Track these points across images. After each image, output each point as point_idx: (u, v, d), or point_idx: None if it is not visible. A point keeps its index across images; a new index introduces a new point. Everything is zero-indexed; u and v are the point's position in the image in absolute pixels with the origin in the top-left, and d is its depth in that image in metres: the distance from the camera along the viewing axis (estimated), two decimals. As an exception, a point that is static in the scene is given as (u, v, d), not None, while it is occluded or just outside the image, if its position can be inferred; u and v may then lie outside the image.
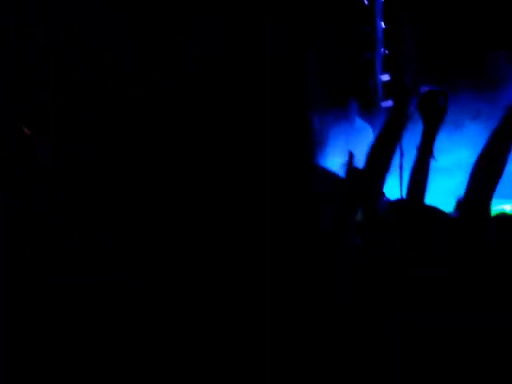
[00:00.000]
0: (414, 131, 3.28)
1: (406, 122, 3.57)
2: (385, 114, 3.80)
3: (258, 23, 4.24)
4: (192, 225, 3.30)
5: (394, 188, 3.65)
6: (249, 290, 2.55)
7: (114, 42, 3.96)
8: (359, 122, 7.76)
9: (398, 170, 4.36)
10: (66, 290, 2.83)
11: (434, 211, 2.58)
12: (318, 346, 2.44)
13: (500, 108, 2.95)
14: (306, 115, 3.90)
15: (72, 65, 3.87)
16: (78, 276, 2.88)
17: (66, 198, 3.72)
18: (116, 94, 3.95)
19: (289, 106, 3.89)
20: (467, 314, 2.28)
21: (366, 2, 7.43)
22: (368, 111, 7.72)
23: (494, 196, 2.76)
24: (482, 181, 2.70)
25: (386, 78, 7.44)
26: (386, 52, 7.50)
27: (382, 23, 7.57)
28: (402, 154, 4.40)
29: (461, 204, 3.08)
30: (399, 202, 3.06)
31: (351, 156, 3.20)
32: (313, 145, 3.92)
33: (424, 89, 3.45)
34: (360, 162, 3.25)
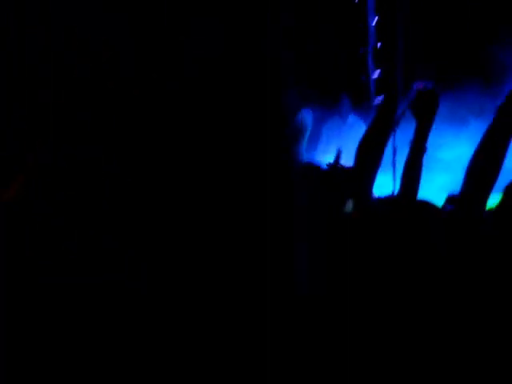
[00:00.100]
0: (407, 128, 3.27)
1: (399, 119, 3.56)
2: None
3: (258, 23, 4.24)
4: (192, 224, 3.30)
5: (386, 184, 3.64)
6: (248, 288, 2.55)
7: (114, 41, 3.96)
8: (352, 117, 7.77)
9: (390, 166, 4.36)
10: (66, 290, 2.83)
11: (427, 206, 2.57)
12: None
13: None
14: (282, 113, 3.90)
15: (72, 65, 3.87)
16: (78, 276, 2.88)
17: (65, 198, 3.72)
18: (116, 94, 3.95)
19: (266, 103, 3.90)
20: (462, 310, 2.28)
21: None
22: (361, 107, 7.73)
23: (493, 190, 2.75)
24: (479, 176, 2.69)
25: (378, 73, 7.44)
26: (379, 47, 7.51)
27: (375, 19, 7.56)
28: (394, 151, 4.41)
29: (453, 199, 3.08)
30: (391, 198, 3.06)
31: (339, 154, 3.18)
32: (291, 140, 3.93)
33: (417, 84, 3.43)
34: (351, 158, 3.23)
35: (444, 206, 2.97)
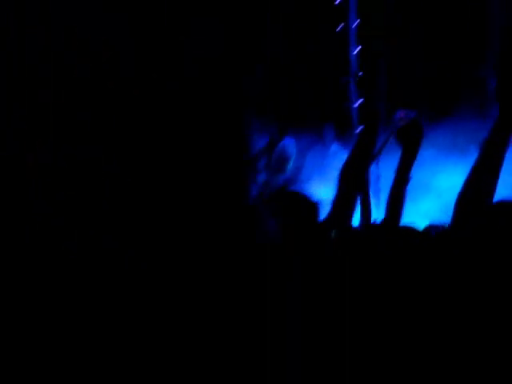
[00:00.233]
0: (393, 155, 3.25)
1: (382, 147, 3.57)
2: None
3: (258, 23, 4.25)
4: (193, 224, 3.30)
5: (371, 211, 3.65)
6: (247, 288, 2.55)
7: (114, 41, 3.96)
8: (335, 146, 7.82)
9: (374, 193, 4.36)
10: (66, 290, 2.83)
11: (409, 232, 2.57)
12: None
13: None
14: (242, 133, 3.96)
15: (72, 65, 3.87)
16: (78, 276, 2.88)
17: (65, 198, 3.73)
18: (116, 94, 3.95)
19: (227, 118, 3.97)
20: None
21: (339, 28, 7.46)
22: (344, 135, 7.77)
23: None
24: (466, 205, 2.70)
25: (360, 102, 7.51)
26: (361, 76, 7.55)
27: (357, 48, 7.61)
28: (377, 178, 4.41)
29: (433, 227, 3.11)
30: (374, 225, 3.06)
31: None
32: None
33: (399, 113, 3.44)
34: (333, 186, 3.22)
35: (424, 234, 2.99)
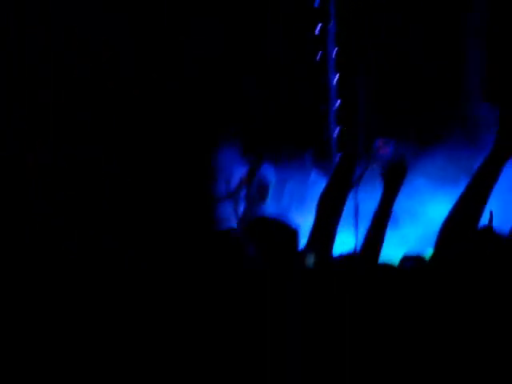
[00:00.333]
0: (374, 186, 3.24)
1: (361, 177, 3.57)
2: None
3: (258, 23, 4.25)
4: (193, 224, 3.30)
5: (348, 241, 3.65)
6: (246, 288, 2.55)
7: (114, 41, 3.96)
8: (315, 174, 7.83)
9: (352, 223, 4.35)
10: (66, 290, 2.83)
11: (385, 268, 2.57)
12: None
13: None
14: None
15: (72, 65, 3.88)
16: (78, 276, 2.88)
17: (65, 198, 3.73)
18: (116, 94, 3.95)
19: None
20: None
21: (319, 55, 7.47)
22: (323, 164, 7.78)
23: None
24: (448, 235, 2.72)
25: (338, 131, 7.55)
26: (340, 103, 7.59)
27: (336, 76, 7.62)
28: (356, 208, 4.38)
29: (409, 258, 3.13)
30: (352, 255, 3.06)
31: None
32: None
33: (377, 142, 3.43)
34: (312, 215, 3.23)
35: (400, 264, 2.99)
